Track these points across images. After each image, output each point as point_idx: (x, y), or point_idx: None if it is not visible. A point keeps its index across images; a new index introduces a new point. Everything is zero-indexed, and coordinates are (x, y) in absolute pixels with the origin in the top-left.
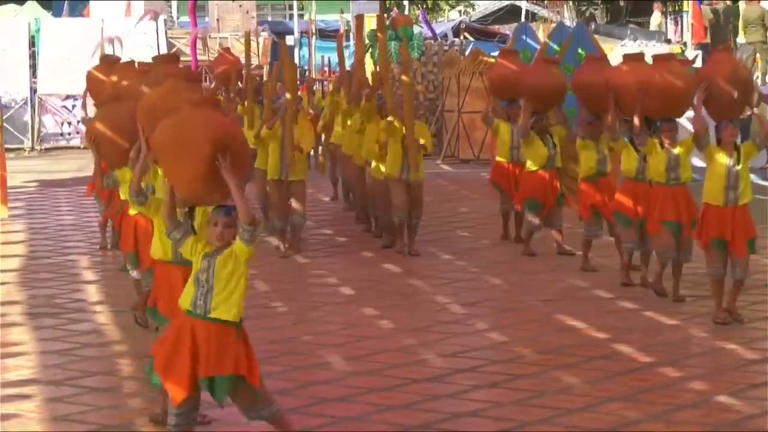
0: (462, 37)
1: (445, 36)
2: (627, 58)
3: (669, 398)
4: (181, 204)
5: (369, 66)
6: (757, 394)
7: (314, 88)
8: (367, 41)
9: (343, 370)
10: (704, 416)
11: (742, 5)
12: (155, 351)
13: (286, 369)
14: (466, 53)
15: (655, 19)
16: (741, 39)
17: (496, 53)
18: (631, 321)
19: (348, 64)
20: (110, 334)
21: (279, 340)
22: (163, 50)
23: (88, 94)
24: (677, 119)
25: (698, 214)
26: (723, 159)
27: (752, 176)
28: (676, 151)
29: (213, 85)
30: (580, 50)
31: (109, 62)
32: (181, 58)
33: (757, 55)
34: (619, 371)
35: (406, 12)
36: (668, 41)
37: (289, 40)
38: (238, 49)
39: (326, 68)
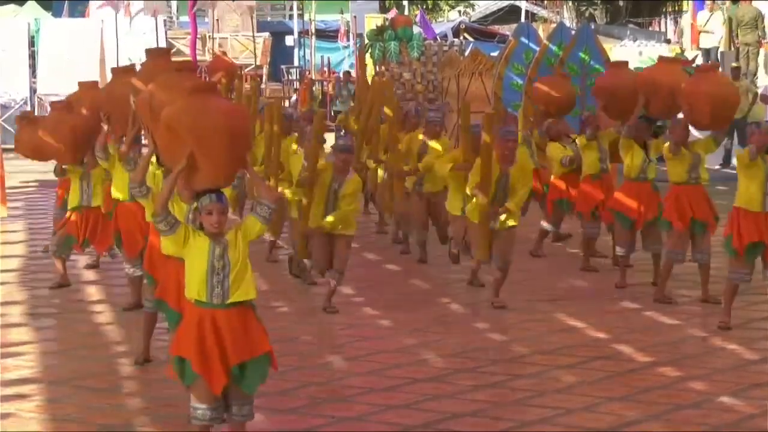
0: (462, 38)
1: (444, 36)
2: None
3: (669, 398)
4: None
5: (369, 65)
6: (758, 394)
7: (314, 88)
8: (366, 41)
9: (343, 370)
10: (704, 416)
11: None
12: (182, 352)
13: (286, 369)
14: (466, 53)
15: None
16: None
17: (495, 53)
18: (631, 321)
19: (348, 65)
20: (110, 334)
21: (279, 341)
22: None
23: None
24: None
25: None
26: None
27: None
28: (699, 151)
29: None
30: (581, 54)
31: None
32: (181, 59)
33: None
34: (618, 371)
35: (406, 12)
36: (668, 41)
37: (289, 40)
38: (237, 50)
39: (326, 68)
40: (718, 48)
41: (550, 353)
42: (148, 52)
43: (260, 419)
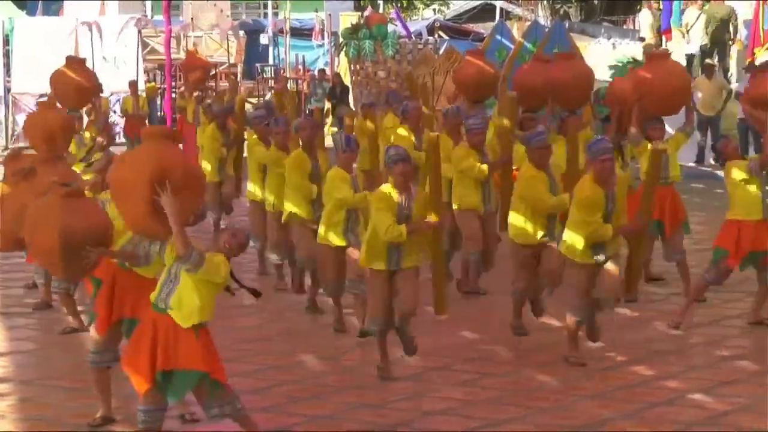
0: (436, 36)
1: (419, 34)
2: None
3: (642, 396)
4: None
5: (343, 64)
6: (731, 391)
7: (288, 86)
8: (341, 39)
9: (317, 369)
10: (677, 413)
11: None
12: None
13: (260, 368)
14: (441, 52)
15: (645, 17)
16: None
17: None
18: (604, 319)
19: (323, 62)
20: (82, 334)
21: (253, 339)
22: (138, 48)
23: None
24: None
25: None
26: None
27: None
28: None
29: (184, 86)
30: (556, 50)
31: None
32: (156, 57)
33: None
34: (592, 369)
35: (381, 10)
36: (642, 39)
37: (263, 38)
38: (212, 48)
39: (300, 67)
40: (707, 45)
41: (524, 352)
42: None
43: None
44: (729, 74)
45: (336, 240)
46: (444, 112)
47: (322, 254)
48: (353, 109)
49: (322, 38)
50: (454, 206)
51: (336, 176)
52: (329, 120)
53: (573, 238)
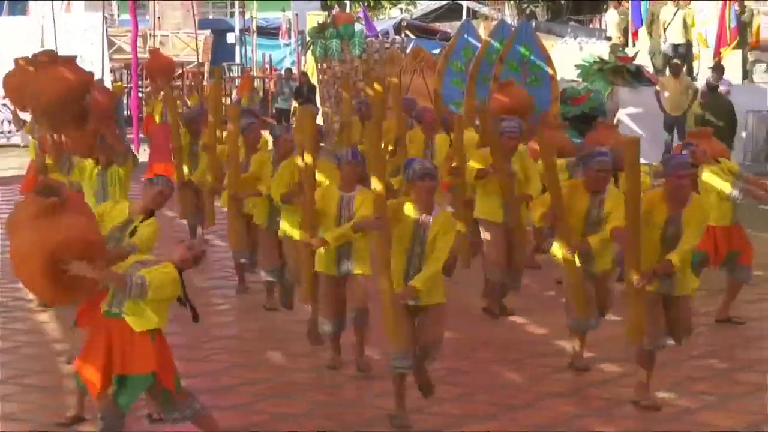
0: (403, 35)
1: (386, 34)
2: None
3: (609, 393)
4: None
5: (310, 63)
6: (696, 388)
7: (255, 85)
8: (308, 39)
9: (286, 367)
10: (643, 411)
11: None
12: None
13: (228, 366)
14: (408, 51)
15: (612, 16)
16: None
17: (436, 51)
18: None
19: (290, 61)
20: (51, 332)
21: (221, 338)
22: (104, 47)
23: None
24: None
25: None
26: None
27: None
28: None
29: (149, 84)
30: (522, 49)
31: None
32: (122, 56)
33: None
34: (560, 367)
35: (348, 10)
36: (608, 38)
37: (230, 37)
38: (178, 47)
39: (267, 66)
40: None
41: (493, 350)
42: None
43: None
44: (695, 74)
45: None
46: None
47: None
48: (319, 108)
49: (289, 37)
50: (476, 215)
51: (320, 195)
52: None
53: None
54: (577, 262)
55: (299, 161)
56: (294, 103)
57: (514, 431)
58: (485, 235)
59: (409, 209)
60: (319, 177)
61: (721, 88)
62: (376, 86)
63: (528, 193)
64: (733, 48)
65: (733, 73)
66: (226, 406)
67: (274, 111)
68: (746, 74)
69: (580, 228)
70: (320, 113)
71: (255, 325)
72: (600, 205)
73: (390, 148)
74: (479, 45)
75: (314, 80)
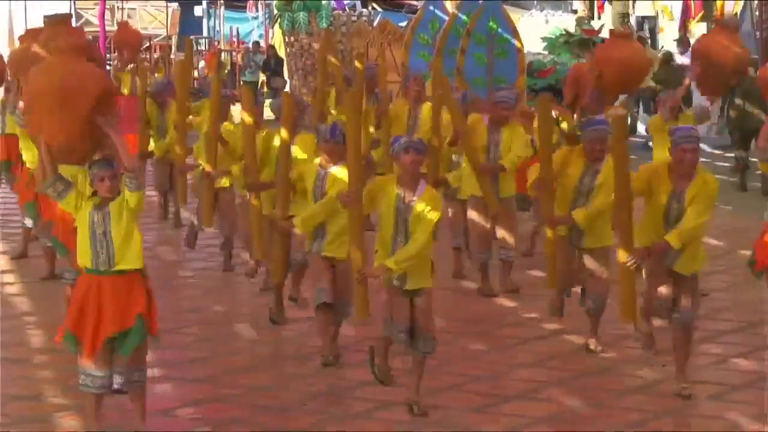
0: (370, 8)
1: (353, 6)
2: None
3: (575, 364)
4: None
5: (278, 36)
6: (661, 360)
7: (222, 59)
8: (276, 12)
9: (254, 339)
10: (609, 382)
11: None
12: (67, 316)
13: (197, 339)
14: (375, 24)
15: None
16: None
17: (404, 24)
18: (538, 289)
19: (257, 35)
20: (20, 305)
21: (190, 310)
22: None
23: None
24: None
25: None
26: None
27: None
28: None
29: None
30: (490, 23)
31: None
32: (90, 29)
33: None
34: (526, 338)
35: None
36: (574, 11)
37: (197, 10)
38: (146, 20)
39: (234, 39)
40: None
41: (459, 321)
42: (47, 19)
43: (169, 388)
44: (660, 47)
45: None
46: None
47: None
48: (287, 80)
49: (257, 10)
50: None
51: (296, 168)
52: (264, 91)
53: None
54: (560, 233)
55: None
56: (262, 76)
57: (479, 402)
58: (470, 213)
59: (388, 182)
60: (297, 152)
61: (685, 61)
62: (357, 64)
63: (502, 163)
64: (698, 21)
65: None
66: (196, 378)
67: (241, 84)
68: None
69: (571, 197)
70: (287, 86)
71: (225, 298)
72: (594, 175)
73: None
74: (446, 18)
75: (282, 53)
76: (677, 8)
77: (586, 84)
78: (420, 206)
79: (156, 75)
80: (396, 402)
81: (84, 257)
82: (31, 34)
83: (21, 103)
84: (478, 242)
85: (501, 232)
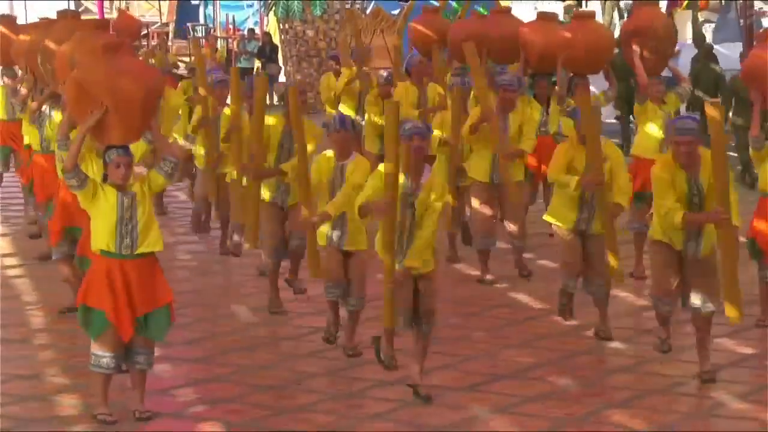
0: None
1: None
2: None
3: (564, 344)
4: (106, 143)
5: (273, 23)
6: (648, 339)
7: (218, 46)
8: None
9: (248, 321)
10: (598, 362)
11: None
12: (92, 301)
13: (193, 320)
14: (368, 11)
15: None
16: None
17: (396, 11)
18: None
19: (252, 22)
20: (20, 286)
21: (185, 292)
22: (71, 8)
23: None
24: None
25: None
26: None
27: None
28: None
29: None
30: (481, 9)
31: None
32: (89, 17)
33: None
34: (516, 319)
35: None
36: None
37: None
38: (144, 8)
39: (230, 26)
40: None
41: (450, 302)
42: (59, 14)
43: (167, 368)
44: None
45: (320, 239)
46: (449, 86)
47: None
48: (282, 66)
49: None
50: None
51: (315, 165)
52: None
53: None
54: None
55: (270, 120)
56: (257, 63)
57: (471, 381)
58: (473, 200)
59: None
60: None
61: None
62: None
63: (522, 148)
64: (684, 8)
65: (683, 33)
66: (191, 358)
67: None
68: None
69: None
70: (282, 72)
71: (218, 280)
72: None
73: None
74: (437, 4)
75: (276, 40)
76: None
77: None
78: (425, 194)
79: (152, 61)
80: (391, 381)
81: (104, 241)
82: (39, 27)
83: (23, 90)
84: (481, 229)
85: (509, 224)
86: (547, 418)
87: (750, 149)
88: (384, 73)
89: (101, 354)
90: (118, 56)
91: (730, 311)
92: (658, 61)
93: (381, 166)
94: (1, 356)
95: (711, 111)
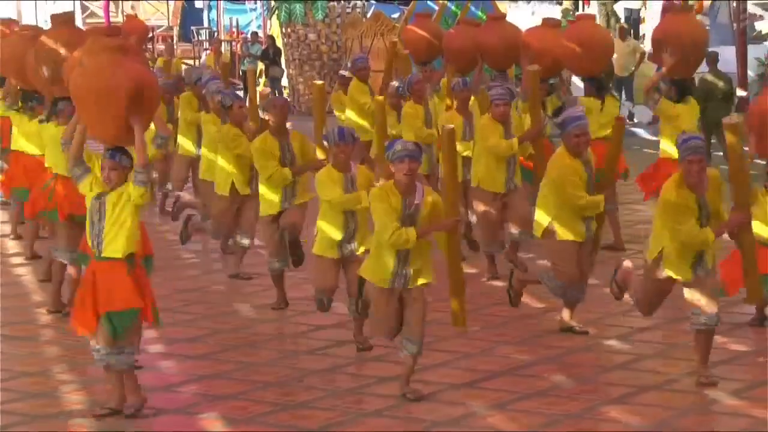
0: (364, 0)
1: None
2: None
3: (561, 342)
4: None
5: (275, 27)
6: (644, 337)
7: (222, 50)
8: (273, 3)
9: (251, 318)
10: (594, 359)
11: None
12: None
13: (196, 317)
14: (368, 15)
15: None
16: None
17: (396, 15)
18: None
19: (256, 25)
20: (27, 284)
21: (189, 290)
22: (78, 12)
23: None
24: None
25: None
26: None
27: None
28: None
29: None
30: (479, 13)
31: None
32: (95, 20)
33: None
34: (514, 317)
35: None
36: (560, 3)
37: (198, 2)
38: (149, 11)
39: (234, 30)
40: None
41: (448, 301)
42: (53, 18)
43: (171, 365)
44: (641, 35)
45: (329, 251)
46: (452, 86)
47: (318, 266)
48: (284, 69)
49: (255, 2)
50: (473, 183)
51: (323, 176)
52: (262, 80)
53: (665, 248)
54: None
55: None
56: (260, 65)
57: (468, 378)
58: (477, 204)
59: (390, 190)
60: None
61: None
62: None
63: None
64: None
65: None
66: (194, 355)
67: (240, 73)
68: None
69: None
70: (285, 74)
71: (220, 277)
72: (591, 168)
73: None
74: (436, 8)
75: (279, 43)
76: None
77: None
78: (426, 211)
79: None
80: (391, 377)
81: (88, 241)
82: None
83: None
84: (487, 235)
85: (513, 225)
86: (543, 415)
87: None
88: (396, 84)
89: (95, 347)
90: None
91: (752, 297)
92: (684, 67)
93: (384, 185)
94: (9, 353)
95: (728, 127)
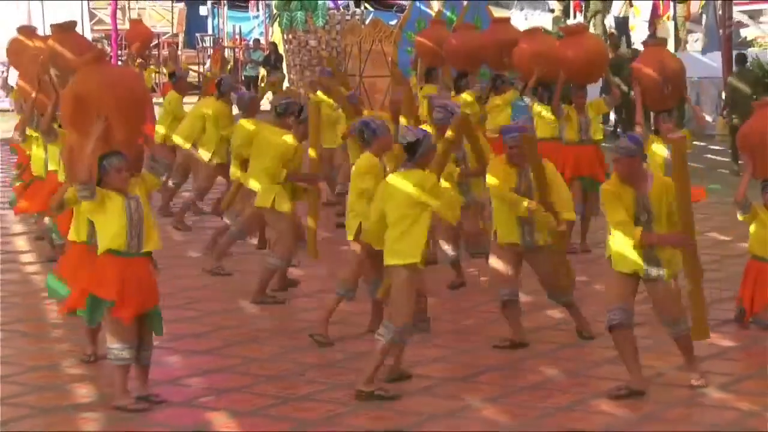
0: (363, 7)
1: (347, 6)
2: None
3: (553, 337)
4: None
5: (277, 34)
6: (638, 332)
7: (226, 56)
8: (275, 11)
9: (254, 314)
10: (585, 354)
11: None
12: (103, 294)
13: (200, 314)
14: (367, 22)
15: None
16: None
17: (393, 22)
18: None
19: (258, 32)
20: (38, 283)
21: (193, 287)
22: (86, 19)
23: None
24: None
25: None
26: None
27: None
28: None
29: (127, 53)
30: (475, 21)
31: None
32: (102, 27)
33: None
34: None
35: None
36: (552, 11)
37: (203, 10)
38: (155, 18)
39: (237, 36)
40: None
41: (447, 299)
42: (53, 27)
43: (176, 360)
44: (632, 45)
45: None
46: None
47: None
48: (285, 74)
49: (258, 9)
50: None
51: (361, 164)
52: (263, 85)
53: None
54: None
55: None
56: (262, 71)
57: (462, 372)
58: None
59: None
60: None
61: None
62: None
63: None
64: (667, 19)
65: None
66: (199, 350)
67: (242, 78)
68: (679, 43)
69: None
70: (286, 79)
71: (225, 276)
72: (526, 178)
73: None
74: (432, 14)
75: (281, 50)
76: (647, 8)
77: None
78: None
79: (163, 69)
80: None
81: (115, 242)
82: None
83: None
84: (500, 281)
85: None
86: (536, 408)
87: (738, 214)
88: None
89: (113, 346)
90: (105, 65)
91: (697, 333)
92: (664, 99)
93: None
94: (21, 348)
95: (674, 143)
